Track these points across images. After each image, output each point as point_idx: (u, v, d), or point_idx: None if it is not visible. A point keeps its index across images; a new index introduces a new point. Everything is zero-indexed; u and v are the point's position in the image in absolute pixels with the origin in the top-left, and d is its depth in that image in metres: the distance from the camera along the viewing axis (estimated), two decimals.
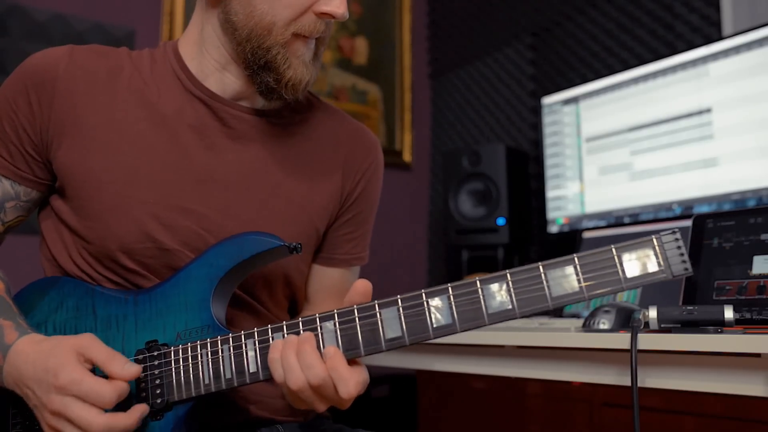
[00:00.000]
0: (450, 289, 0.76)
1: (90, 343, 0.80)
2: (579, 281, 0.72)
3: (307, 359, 0.76)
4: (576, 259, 0.72)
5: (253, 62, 0.94)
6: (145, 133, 0.96)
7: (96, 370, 0.81)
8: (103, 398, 0.77)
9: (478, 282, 0.75)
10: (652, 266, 0.71)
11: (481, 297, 0.75)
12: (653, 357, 1.01)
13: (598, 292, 0.72)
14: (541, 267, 0.73)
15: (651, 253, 0.71)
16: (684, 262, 0.70)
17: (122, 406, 0.80)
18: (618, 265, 0.71)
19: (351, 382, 0.76)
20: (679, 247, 0.70)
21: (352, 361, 0.78)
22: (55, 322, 0.92)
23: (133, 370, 0.80)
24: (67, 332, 0.91)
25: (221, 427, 0.95)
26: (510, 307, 0.74)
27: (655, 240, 0.71)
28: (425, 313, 0.76)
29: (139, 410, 0.80)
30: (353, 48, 2.69)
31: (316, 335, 0.79)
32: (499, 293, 0.74)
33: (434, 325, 0.76)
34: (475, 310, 0.75)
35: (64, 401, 0.77)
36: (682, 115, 1.75)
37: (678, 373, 1.01)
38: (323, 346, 0.79)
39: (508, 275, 0.74)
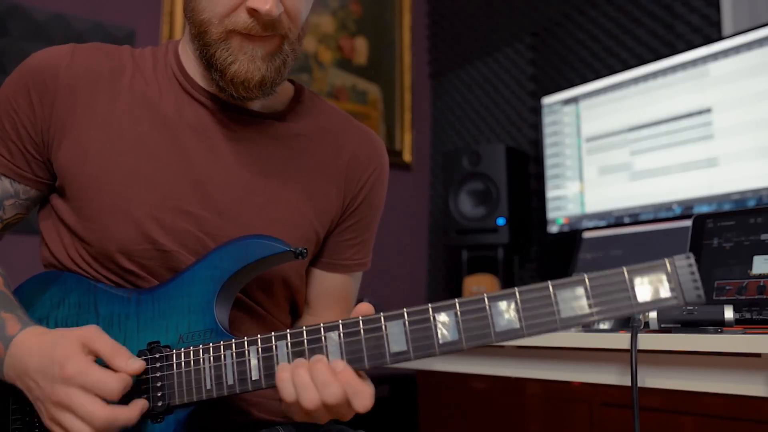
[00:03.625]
0: (457, 305, 0.74)
1: (96, 335, 0.80)
2: (590, 305, 0.70)
3: (321, 377, 0.75)
4: (587, 280, 0.70)
5: (203, 59, 0.93)
6: (145, 134, 0.95)
7: (99, 363, 0.80)
8: (109, 389, 0.76)
9: (486, 299, 0.73)
10: (665, 292, 0.68)
11: (489, 315, 0.73)
12: (653, 357, 1.01)
13: (609, 315, 0.70)
14: (551, 287, 0.71)
15: (664, 277, 0.68)
16: (697, 288, 0.67)
17: (124, 402, 0.80)
18: (630, 288, 0.69)
19: (367, 393, 0.75)
20: (692, 273, 0.68)
21: (357, 373, 0.77)
22: (56, 318, 0.92)
23: (137, 365, 0.80)
24: None
25: (222, 429, 0.95)
26: (518, 326, 0.72)
27: (668, 264, 0.68)
28: (432, 328, 0.74)
29: (140, 405, 0.80)
30: (353, 48, 2.69)
31: (314, 347, 0.78)
32: (507, 312, 0.72)
33: (440, 342, 0.74)
34: (483, 328, 0.73)
35: (69, 392, 0.76)
36: (682, 115, 1.75)
37: (678, 373, 1.01)
38: (327, 357, 0.77)
39: (517, 294, 0.72)
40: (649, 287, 0.69)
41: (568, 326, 0.71)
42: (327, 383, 0.75)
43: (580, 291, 0.71)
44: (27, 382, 0.80)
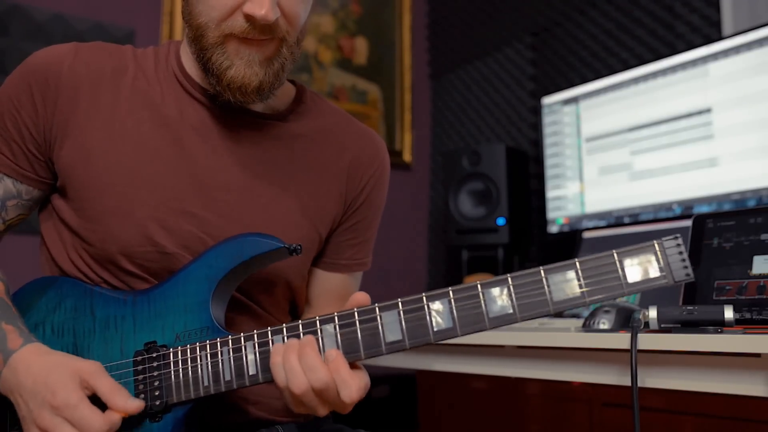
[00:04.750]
0: (451, 292, 0.75)
1: (98, 372, 0.80)
2: (580, 286, 0.72)
3: (309, 362, 0.76)
4: (577, 263, 0.72)
5: (200, 63, 0.93)
6: (148, 135, 0.95)
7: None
8: (93, 428, 0.76)
9: (479, 286, 0.75)
10: (654, 272, 0.70)
11: (482, 301, 0.74)
12: (653, 357, 1.01)
13: (599, 297, 0.71)
14: (542, 271, 0.73)
15: (652, 258, 0.71)
16: (686, 267, 0.70)
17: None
18: (619, 270, 0.71)
19: (354, 385, 0.76)
20: (680, 253, 0.70)
21: (353, 365, 0.78)
22: (53, 323, 0.92)
23: (135, 404, 0.80)
24: (65, 333, 0.91)
25: (220, 427, 0.95)
26: (511, 311, 0.73)
27: (656, 245, 0.71)
28: (426, 316, 0.76)
29: None
30: (353, 48, 2.68)
31: (317, 338, 0.79)
32: (500, 297, 0.74)
33: (435, 329, 0.75)
34: (476, 315, 0.74)
35: (54, 421, 0.77)
36: (682, 115, 1.75)
37: (678, 373, 1.00)
38: (323, 350, 0.78)
39: (509, 279, 0.74)
40: (638, 268, 0.71)
41: (561, 309, 0.73)
42: (314, 368, 0.76)
43: (571, 274, 0.72)
44: (17, 398, 0.81)
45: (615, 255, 0.71)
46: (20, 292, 0.95)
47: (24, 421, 0.80)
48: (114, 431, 0.79)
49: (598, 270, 0.72)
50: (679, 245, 0.70)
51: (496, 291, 0.74)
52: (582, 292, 0.72)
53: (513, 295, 0.73)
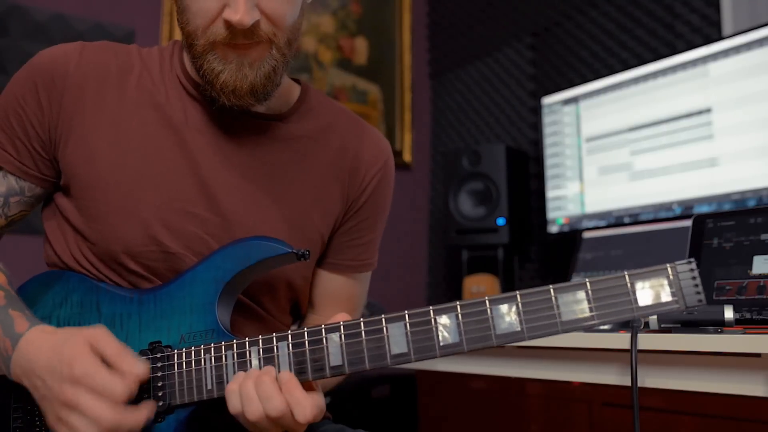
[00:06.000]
0: (459, 307, 0.74)
1: (103, 337, 0.80)
2: (591, 309, 0.70)
3: (265, 390, 0.76)
4: (588, 284, 0.71)
5: (195, 69, 0.93)
6: (152, 135, 0.95)
7: None
8: (115, 393, 0.76)
9: (487, 302, 0.74)
10: (666, 296, 0.69)
11: (490, 317, 0.73)
12: (653, 357, 1.02)
13: (609, 319, 0.70)
14: (552, 290, 0.72)
15: (665, 281, 0.69)
16: (698, 293, 0.68)
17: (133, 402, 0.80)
18: (631, 293, 0.69)
19: (308, 406, 0.76)
20: (694, 278, 0.68)
21: (307, 386, 0.78)
22: (59, 317, 0.92)
23: (141, 368, 0.79)
24: None
25: (221, 428, 0.95)
26: (519, 329, 0.72)
27: (669, 269, 0.69)
28: (432, 330, 0.75)
29: (148, 408, 0.80)
30: (353, 48, 2.69)
31: (322, 347, 0.78)
32: (508, 315, 0.73)
33: (441, 344, 0.74)
34: (484, 330, 0.73)
35: (77, 392, 0.76)
36: (682, 115, 1.75)
37: (678, 373, 1.01)
38: (328, 359, 0.78)
39: (519, 297, 0.73)
40: (650, 291, 0.69)
41: (569, 330, 0.71)
42: (270, 397, 0.76)
43: (581, 295, 0.71)
44: (34, 380, 0.80)
45: (627, 277, 0.70)
46: (26, 285, 0.96)
47: (44, 400, 0.79)
48: (135, 395, 0.78)
49: (609, 292, 0.70)
50: (692, 270, 0.68)
51: (504, 308, 0.73)
52: (592, 315, 0.70)
53: (522, 313, 0.72)
